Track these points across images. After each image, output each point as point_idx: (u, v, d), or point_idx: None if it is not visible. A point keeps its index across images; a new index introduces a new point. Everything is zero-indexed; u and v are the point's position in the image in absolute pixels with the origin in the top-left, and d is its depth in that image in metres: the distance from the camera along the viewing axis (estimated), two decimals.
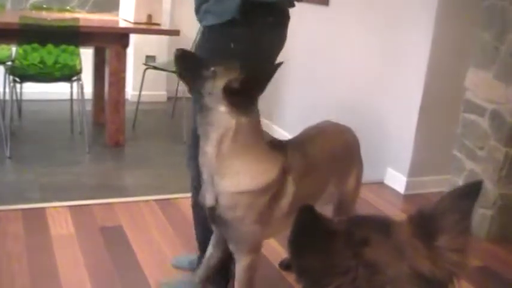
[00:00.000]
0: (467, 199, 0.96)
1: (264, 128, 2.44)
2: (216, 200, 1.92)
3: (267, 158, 1.96)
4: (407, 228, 0.92)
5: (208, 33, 2.19)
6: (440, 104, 3.76)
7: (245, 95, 1.83)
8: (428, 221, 0.93)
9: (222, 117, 1.84)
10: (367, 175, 4.20)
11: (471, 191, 0.97)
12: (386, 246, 0.88)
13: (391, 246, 0.88)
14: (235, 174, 1.88)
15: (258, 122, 1.96)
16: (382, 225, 0.93)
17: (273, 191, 1.94)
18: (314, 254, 0.88)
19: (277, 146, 2.04)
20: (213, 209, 1.94)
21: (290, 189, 1.97)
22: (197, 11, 2.22)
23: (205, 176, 1.94)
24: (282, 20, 2.21)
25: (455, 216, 0.93)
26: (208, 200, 1.95)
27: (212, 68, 1.83)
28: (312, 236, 0.89)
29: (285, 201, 1.97)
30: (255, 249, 2.05)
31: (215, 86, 1.82)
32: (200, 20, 2.22)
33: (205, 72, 1.84)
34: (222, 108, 1.83)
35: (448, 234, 0.91)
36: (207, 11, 2.14)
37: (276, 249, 2.87)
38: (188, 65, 1.92)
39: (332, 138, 2.39)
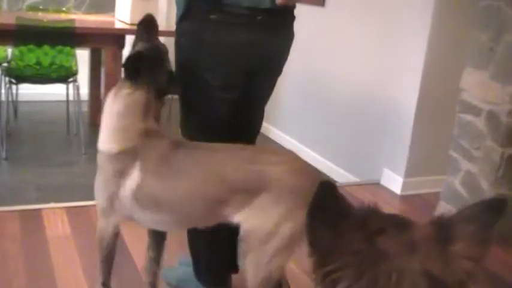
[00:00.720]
0: (490, 212, 0.97)
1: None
2: None
3: (127, 133, 1.99)
4: (426, 229, 0.92)
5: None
6: (437, 104, 3.76)
7: (128, 70, 2.07)
8: (447, 226, 0.93)
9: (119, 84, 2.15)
10: (364, 175, 4.23)
11: (497, 206, 0.98)
12: (400, 240, 0.89)
13: (405, 241, 0.88)
14: (101, 132, 2.03)
15: (142, 99, 2.05)
16: (400, 222, 0.94)
17: (119, 167, 1.96)
18: (327, 228, 0.90)
19: (152, 132, 2.03)
20: None
21: (135, 175, 1.93)
22: None
23: None
24: (234, 20, 2.05)
25: (475, 226, 0.94)
26: None
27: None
28: (328, 211, 0.91)
29: (129, 184, 1.94)
30: (102, 215, 2.07)
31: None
32: None
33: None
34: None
35: (465, 242, 0.91)
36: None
37: None
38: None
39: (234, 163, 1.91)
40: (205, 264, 2.42)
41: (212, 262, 2.40)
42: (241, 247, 1.89)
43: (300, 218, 1.65)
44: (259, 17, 2.03)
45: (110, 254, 2.15)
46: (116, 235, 2.13)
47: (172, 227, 2.15)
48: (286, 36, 2.26)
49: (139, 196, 1.94)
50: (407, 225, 0.93)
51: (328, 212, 0.91)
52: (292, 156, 1.94)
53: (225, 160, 1.91)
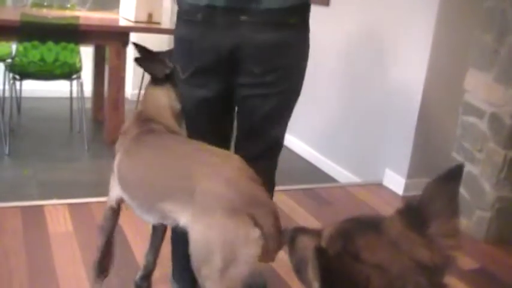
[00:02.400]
0: (451, 182, 0.97)
1: None
2: None
3: (131, 117, 2.23)
4: (398, 221, 0.93)
5: None
6: (440, 105, 3.76)
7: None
8: (417, 210, 0.94)
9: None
10: (366, 176, 4.23)
11: (453, 174, 0.98)
12: (381, 244, 0.88)
13: (386, 243, 0.88)
14: None
15: (163, 97, 2.22)
16: (371, 226, 0.93)
17: (117, 145, 2.15)
18: (329, 283, 0.86)
19: (153, 120, 2.12)
20: None
21: (118, 155, 2.07)
22: None
23: None
24: (180, 16, 2.13)
25: (442, 201, 0.94)
26: None
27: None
28: (324, 273, 0.86)
29: (115, 163, 2.08)
30: (111, 186, 2.12)
31: None
32: None
33: None
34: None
35: (439, 219, 0.92)
36: None
37: None
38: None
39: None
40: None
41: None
42: None
43: (225, 227, 1.61)
44: (199, 14, 2.03)
45: (107, 231, 2.21)
46: (115, 212, 2.19)
47: (137, 212, 2.09)
48: (250, 38, 2.03)
49: (118, 175, 2.05)
50: (379, 225, 0.93)
51: (324, 274, 0.85)
52: (232, 163, 1.80)
53: (169, 152, 1.92)
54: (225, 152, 1.98)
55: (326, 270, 0.82)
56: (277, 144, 2.28)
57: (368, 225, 0.94)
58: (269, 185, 2.17)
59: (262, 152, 2.21)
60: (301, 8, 2.07)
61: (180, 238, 2.09)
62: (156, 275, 2.62)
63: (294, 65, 2.12)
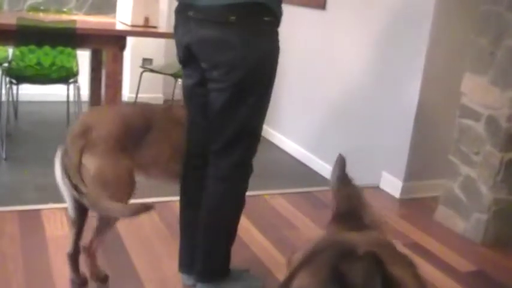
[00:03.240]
0: (345, 178, 1.10)
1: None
2: None
3: None
4: (339, 228, 1.01)
5: None
6: (436, 108, 3.77)
7: None
8: (349, 214, 1.03)
9: None
10: (363, 179, 4.22)
11: (340, 162, 1.12)
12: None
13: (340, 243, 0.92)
14: None
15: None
16: (320, 251, 0.89)
17: None
18: None
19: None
20: None
21: None
22: None
23: None
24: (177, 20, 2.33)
25: (350, 200, 1.07)
26: None
27: None
28: None
29: None
30: None
31: None
32: None
33: None
34: None
35: (364, 211, 1.05)
36: None
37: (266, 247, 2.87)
38: None
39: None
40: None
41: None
42: None
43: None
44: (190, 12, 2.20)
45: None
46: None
47: None
48: (213, 33, 2.16)
49: None
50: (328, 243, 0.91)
51: None
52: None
53: None
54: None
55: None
56: (239, 138, 2.31)
57: (316, 254, 0.90)
58: (243, 170, 2.38)
59: (226, 145, 2.31)
60: (242, 7, 2.10)
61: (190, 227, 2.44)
62: (152, 276, 2.62)
63: (236, 64, 2.16)
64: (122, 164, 2.35)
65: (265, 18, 2.15)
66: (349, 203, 1.05)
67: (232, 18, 2.10)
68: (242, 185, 2.39)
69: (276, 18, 2.19)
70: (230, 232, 2.43)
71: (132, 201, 3.41)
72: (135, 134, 2.41)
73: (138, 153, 2.43)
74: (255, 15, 2.14)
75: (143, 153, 2.45)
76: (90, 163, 2.27)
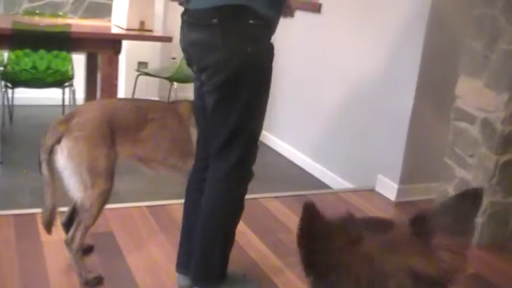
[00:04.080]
0: (466, 202, 0.97)
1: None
2: None
3: None
4: (405, 227, 0.94)
5: None
6: (432, 111, 3.78)
7: None
8: (425, 220, 0.95)
9: None
10: (359, 182, 4.24)
11: (471, 194, 0.98)
12: (379, 241, 0.91)
13: (386, 242, 0.91)
14: None
15: None
16: (378, 224, 0.96)
17: None
18: (316, 250, 0.92)
19: None
20: None
21: None
22: None
23: None
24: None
25: (453, 217, 0.95)
26: None
27: None
28: (313, 234, 0.93)
29: None
30: None
31: None
32: None
33: None
34: None
35: (444, 234, 0.92)
36: None
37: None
38: None
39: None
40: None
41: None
42: None
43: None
44: (185, 16, 2.27)
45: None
46: None
47: None
48: (200, 37, 2.21)
49: None
50: (387, 226, 0.95)
51: (313, 235, 0.93)
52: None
53: None
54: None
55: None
56: (233, 142, 2.31)
57: (375, 223, 0.97)
58: (241, 172, 2.36)
59: (221, 148, 2.32)
60: (225, 10, 2.13)
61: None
62: (149, 280, 2.62)
63: (220, 67, 2.18)
64: (98, 151, 2.44)
65: (251, 21, 2.13)
66: (442, 214, 0.97)
67: (215, 20, 2.13)
68: (239, 188, 2.38)
69: (265, 21, 2.17)
70: (227, 236, 2.42)
71: (130, 204, 3.43)
72: (124, 127, 2.50)
73: (135, 147, 2.54)
74: (238, 18, 2.14)
75: (142, 146, 2.55)
76: (65, 146, 2.40)
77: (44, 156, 2.43)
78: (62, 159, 2.41)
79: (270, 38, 2.24)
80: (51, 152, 2.42)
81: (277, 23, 2.25)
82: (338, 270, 0.89)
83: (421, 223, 0.94)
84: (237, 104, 2.23)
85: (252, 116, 2.30)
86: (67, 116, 2.51)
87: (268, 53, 2.24)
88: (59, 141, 2.41)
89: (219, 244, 2.41)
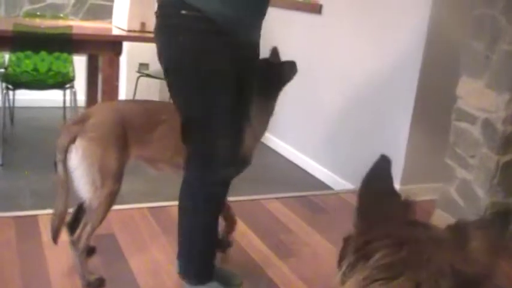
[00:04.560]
0: (499, 220, 1.02)
1: None
2: None
3: None
4: (444, 231, 0.98)
5: None
6: (433, 112, 3.78)
7: None
8: (462, 229, 0.98)
9: None
10: (359, 182, 4.21)
11: (503, 215, 1.04)
12: (428, 234, 0.95)
13: (432, 237, 0.94)
14: None
15: None
16: (424, 222, 1.00)
17: None
18: (377, 201, 1.00)
19: None
20: None
21: None
22: None
23: None
24: None
25: (487, 231, 0.99)
26: None
27: None
28: (381, 185, 1.04)
29: None
30: None
31: None
32: None
33: None
34: None
35: (480, 242, 0.95)
36: None
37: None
38: None
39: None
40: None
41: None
42: None
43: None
44: None
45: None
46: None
47: None
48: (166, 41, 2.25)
49: None
50: (430, 226, 1.00)
51: (381, 186, 1.01)
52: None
53: None
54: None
55: None
56: (188, 135, 2.36)
57: (422, 221, 1.01)
58: (196, 165, 2.37)
59: (182, 139, 2.38)
60: (166, 12, 2.17)
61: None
62: (151, 282, 2.62)
63: (160, 59, 2.24)
64: (110, 152, 2.43)
65: (183, 12, 2.07)
66: (474, 226, 1.00)
67: (156, 11, 2.19)
68: (195, 182, 2.37)
69: (200, 12, 2.06)
70: (196, 237, 2.43)
71: (131, 206, 3.43)
72: (136, 129, 2.51)
73: (144, 148, 2.56)
74: (170, 7, 2.14)
75: (151, 147, 2.57)
76: (79, 145, 2.39)
77: (60, 157, 2.42)
78: (76, 158, 2.41)
79: (215, 33, 2.11)
80: (66, 151, 2.42)
81: (234, 19, 2.14)
82: (393, 232, 0.92)
83: (458, 231, 0.97)
84: (180, 101, 2.31)
85: (196, 111, 2.30)
86: (81, 117, 2.52)
87: (204, 49, 2.13)
88: (73, 141, 2.40)
89: (189, 243, 2.44)
